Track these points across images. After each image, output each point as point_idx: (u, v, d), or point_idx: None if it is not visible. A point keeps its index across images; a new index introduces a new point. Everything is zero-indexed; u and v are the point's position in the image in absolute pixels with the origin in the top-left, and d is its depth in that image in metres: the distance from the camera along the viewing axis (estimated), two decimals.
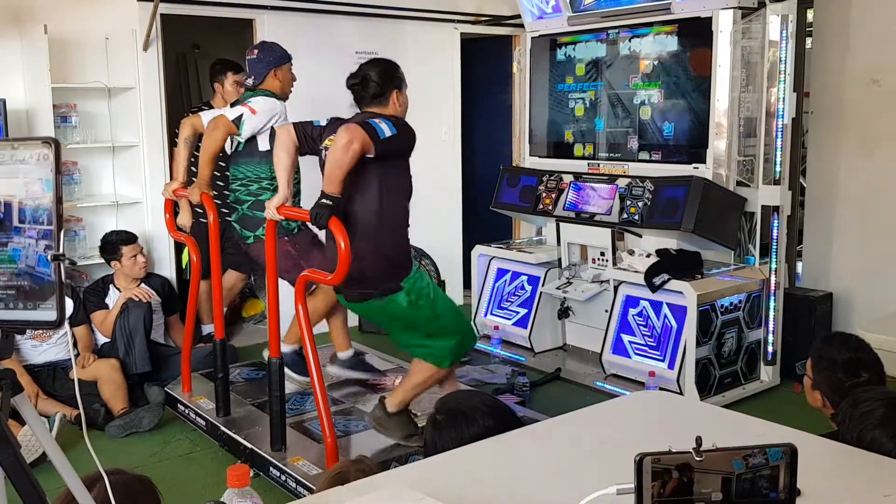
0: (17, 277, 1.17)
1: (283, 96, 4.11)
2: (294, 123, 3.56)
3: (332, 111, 5.36)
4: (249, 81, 4.10)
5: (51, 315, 1.17)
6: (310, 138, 3.43)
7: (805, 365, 2.65)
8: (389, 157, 3.23)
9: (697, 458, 1.15)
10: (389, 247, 3.31)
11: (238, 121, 3.89)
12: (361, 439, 3.77)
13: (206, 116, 4.34)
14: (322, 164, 3.41)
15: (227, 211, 5.11)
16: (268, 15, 5.36)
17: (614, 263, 4.77)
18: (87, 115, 5.04)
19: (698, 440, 1.16)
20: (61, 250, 1.14)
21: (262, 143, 3.96)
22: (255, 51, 4.13)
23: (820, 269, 5.23)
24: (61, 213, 1.16)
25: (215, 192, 4.14)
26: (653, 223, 4.57)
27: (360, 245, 3.16)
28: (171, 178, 5.14)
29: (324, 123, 3.42)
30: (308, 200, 3.63)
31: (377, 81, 3.32)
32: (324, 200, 3.09)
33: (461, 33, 6.38)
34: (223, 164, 4.58)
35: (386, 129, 3.16)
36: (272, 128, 3.87)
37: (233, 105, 4.29)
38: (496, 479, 1.75)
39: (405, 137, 3.26)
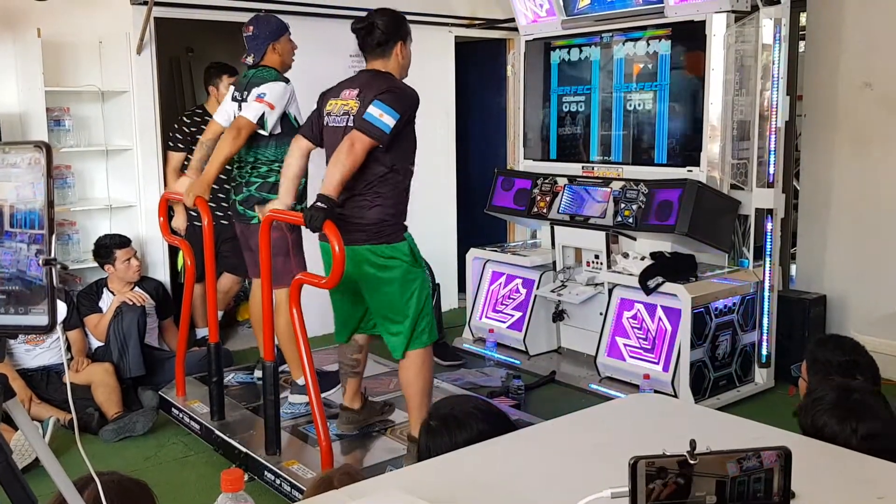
0: (8, 282, 1.17)
1: (284, 68, 4.06)
2: (301, 128, 3.62)
3: None
4: (249, 59, 4.05)
5: (42, 320, 1.17)
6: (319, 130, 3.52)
7: (800, 367, 2.65)
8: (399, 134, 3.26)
9: (692, 462, 1.15)
10: (392, 203, 3.33)
11: (261, 120, 3.87)
12: (356, 443, 3.77)
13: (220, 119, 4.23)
14: (312, 126, 3.50)
15: (220, 214, 5.11)
16: None
17: (609, 266, 4.77)
18: (80, 118, 5.04)
19: (692, 443, 1.16)
20: (53, 255, 1.14)
21: (272, 127, 3.97)
22: (251, 27, 4.06)
23: (814, 271, 5.24)
24: (53, 218, 1.16)
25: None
26: (647, 226, 4.58)
27: (367, 197, 3.26)
28: (166, 181, 5.15)
29: None
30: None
31: (382, 30, 3.34)
32: (319, 203, 3.09)
33: (455, 36, 6.38)
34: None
35: (389, 121, 3.16)
36: (285, 113, 3.93)
37: (237, 89, 4.18)
38: (491, 482, 1.74)
39: (408, 109, 3.27)
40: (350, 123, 3.29)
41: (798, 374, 2.65)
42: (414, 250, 3.42)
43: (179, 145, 5.12)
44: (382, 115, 3.16)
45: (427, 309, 3.45)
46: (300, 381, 3.99)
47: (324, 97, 3.52)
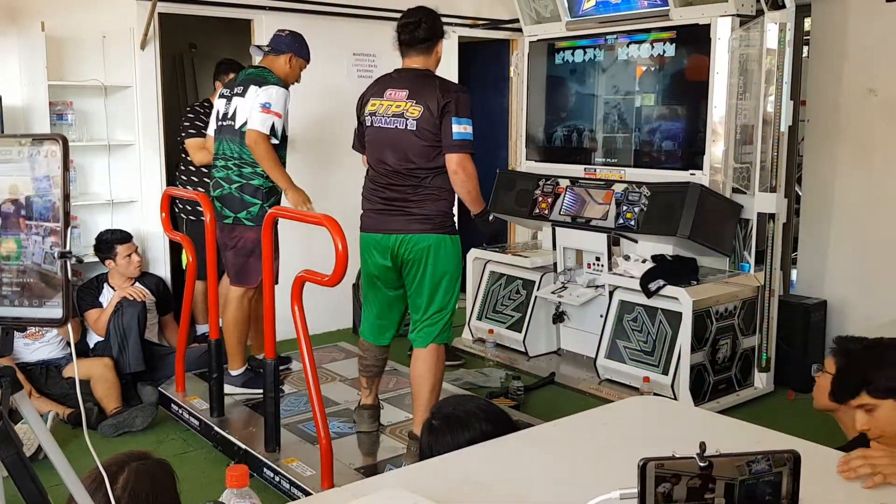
0: (23, 274, 1.17)
1: (285, 81, 4.14)
2: (354, 145, 3.74)
3: (329, 111, 5.35)
4: (266, 48, 4.20)
5: (57, 312, 1.17)
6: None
7: (821, 367, 2.62)
8: None
9: (701, 464, 1.15)
10: (449, 196, 3.55)
11: (273, 130, 3.97)
12: (355, 441, 3.77)
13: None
14: (362, 136, 3.62)
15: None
16: (266, 15, 5.35)
17: (610, 268, 4.77)
18: (83, 113, 5.03)
19: (702, 445, 1.16)
20: (68, 248, 1.14)
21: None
22: (286, 32, 4.24)
23: (814, 276, 5.24)
24: (68, 211, 1.16)
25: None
26: (649, 229, 4.58)
27: (434, 192, 3.47)
28: (178, 171, 5.20)
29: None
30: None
31: (429, 26, 3.48)
32: (485, 218, 3.63)
33: (459, 37, 6.38)
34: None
35: (470, 129, 3.39)
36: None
37: (230, 85, 4.25)
38: (493, 482, 1.74)
39: (471, 107, 3.45)
40: (411, 127, 3.41)
41: (821, 368, 2.61)
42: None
43: (203, 132, 5.07)
44: (466, 128, 3.36)
45: (454, 309, 3.57)
46: (234, 372, 4.24)
47: (362, 99, 3.62)
